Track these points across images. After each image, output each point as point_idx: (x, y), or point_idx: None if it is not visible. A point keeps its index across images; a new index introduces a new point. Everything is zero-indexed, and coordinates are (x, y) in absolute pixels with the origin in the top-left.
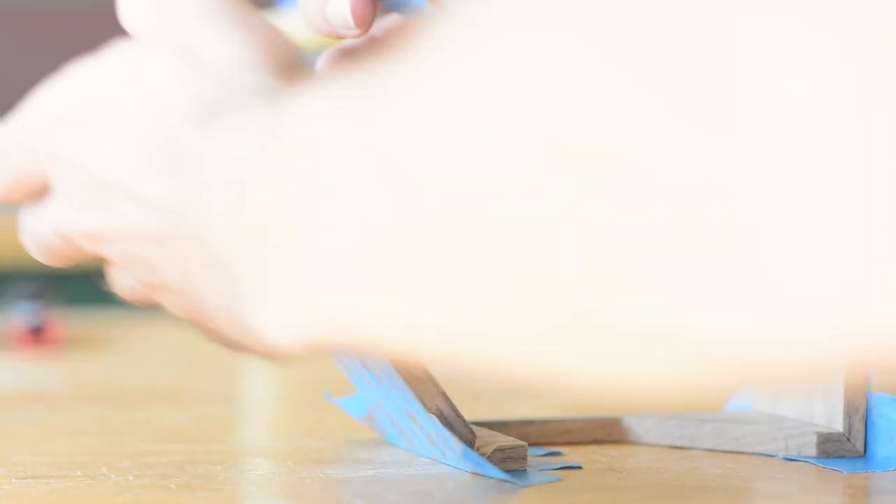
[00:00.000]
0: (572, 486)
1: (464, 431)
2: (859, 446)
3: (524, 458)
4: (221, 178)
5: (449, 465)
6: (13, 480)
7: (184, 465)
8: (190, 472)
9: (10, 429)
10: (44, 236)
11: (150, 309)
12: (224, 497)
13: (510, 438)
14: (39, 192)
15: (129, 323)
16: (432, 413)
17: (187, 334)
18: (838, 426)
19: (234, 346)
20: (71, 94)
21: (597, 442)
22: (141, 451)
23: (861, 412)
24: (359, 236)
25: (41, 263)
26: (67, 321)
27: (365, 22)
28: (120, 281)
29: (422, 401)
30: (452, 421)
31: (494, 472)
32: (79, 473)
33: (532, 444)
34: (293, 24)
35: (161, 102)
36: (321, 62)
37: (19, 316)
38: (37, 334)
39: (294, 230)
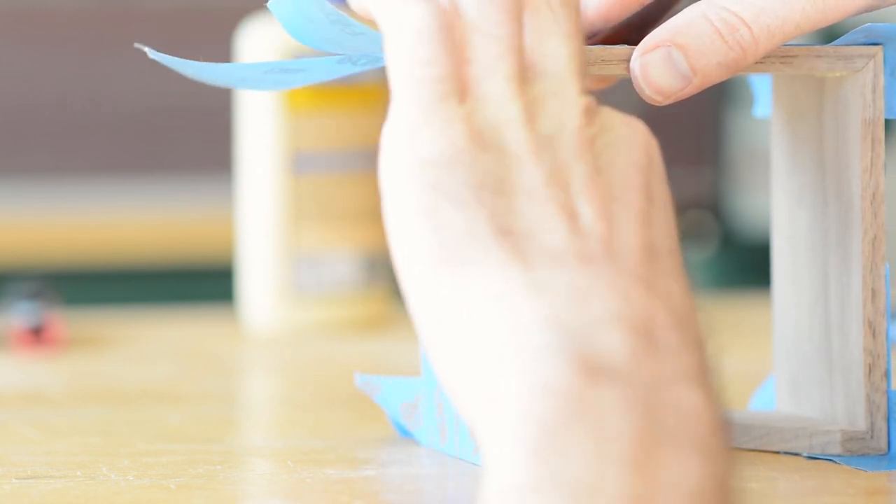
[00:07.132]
0: None
1: None
2: (882, 444)
3: None
4: None
5: (477, 463)
6: (13, 480)
7: (184, 465)
8: (190, 472)
9: (10, 429)
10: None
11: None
12: (224, 497)
13: None
14: None
15: (129, 323)
16: None
17: (187, 334)
18: (860, 425)
19: None
20: None
21: None
22: (141, 451)
23: (883, 410)
24: None
25: (41, 263)
26: (67, 321)
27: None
28: None
29: None
30: None
31: None
32: (79, 473)
33: None
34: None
35: None
36: None
37: (19, 316)
38: (37, 334)
39: None
